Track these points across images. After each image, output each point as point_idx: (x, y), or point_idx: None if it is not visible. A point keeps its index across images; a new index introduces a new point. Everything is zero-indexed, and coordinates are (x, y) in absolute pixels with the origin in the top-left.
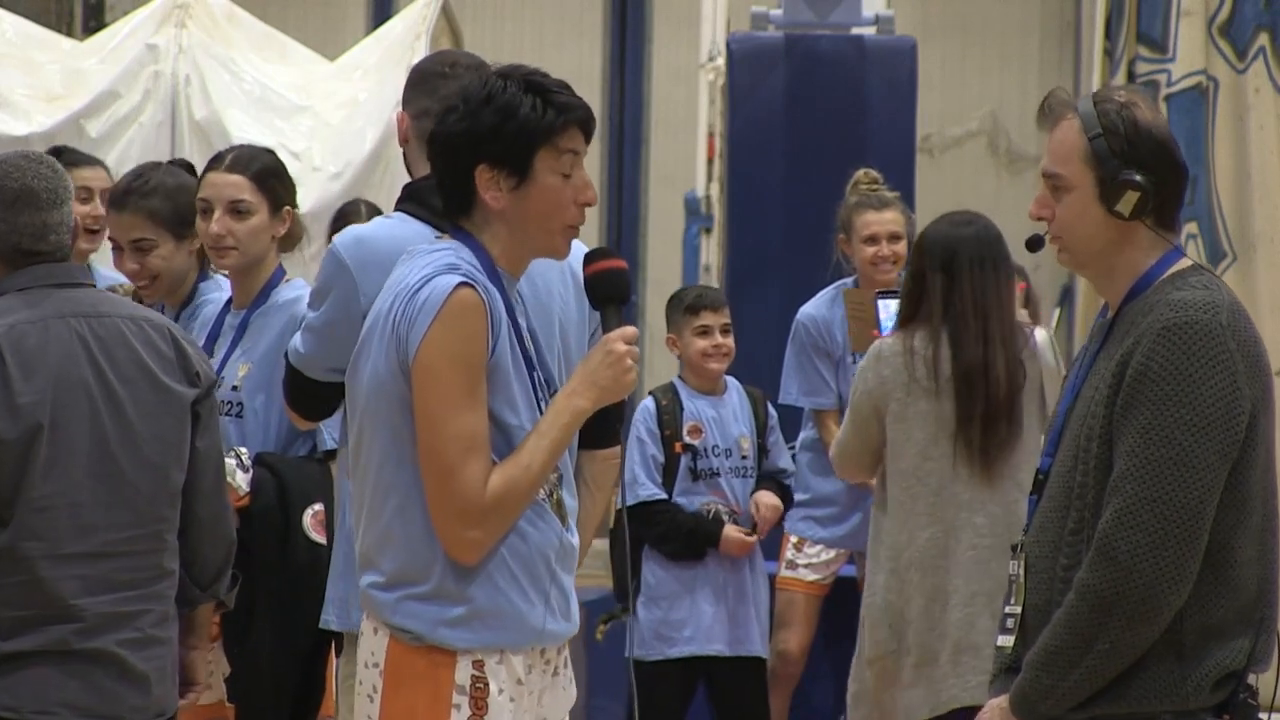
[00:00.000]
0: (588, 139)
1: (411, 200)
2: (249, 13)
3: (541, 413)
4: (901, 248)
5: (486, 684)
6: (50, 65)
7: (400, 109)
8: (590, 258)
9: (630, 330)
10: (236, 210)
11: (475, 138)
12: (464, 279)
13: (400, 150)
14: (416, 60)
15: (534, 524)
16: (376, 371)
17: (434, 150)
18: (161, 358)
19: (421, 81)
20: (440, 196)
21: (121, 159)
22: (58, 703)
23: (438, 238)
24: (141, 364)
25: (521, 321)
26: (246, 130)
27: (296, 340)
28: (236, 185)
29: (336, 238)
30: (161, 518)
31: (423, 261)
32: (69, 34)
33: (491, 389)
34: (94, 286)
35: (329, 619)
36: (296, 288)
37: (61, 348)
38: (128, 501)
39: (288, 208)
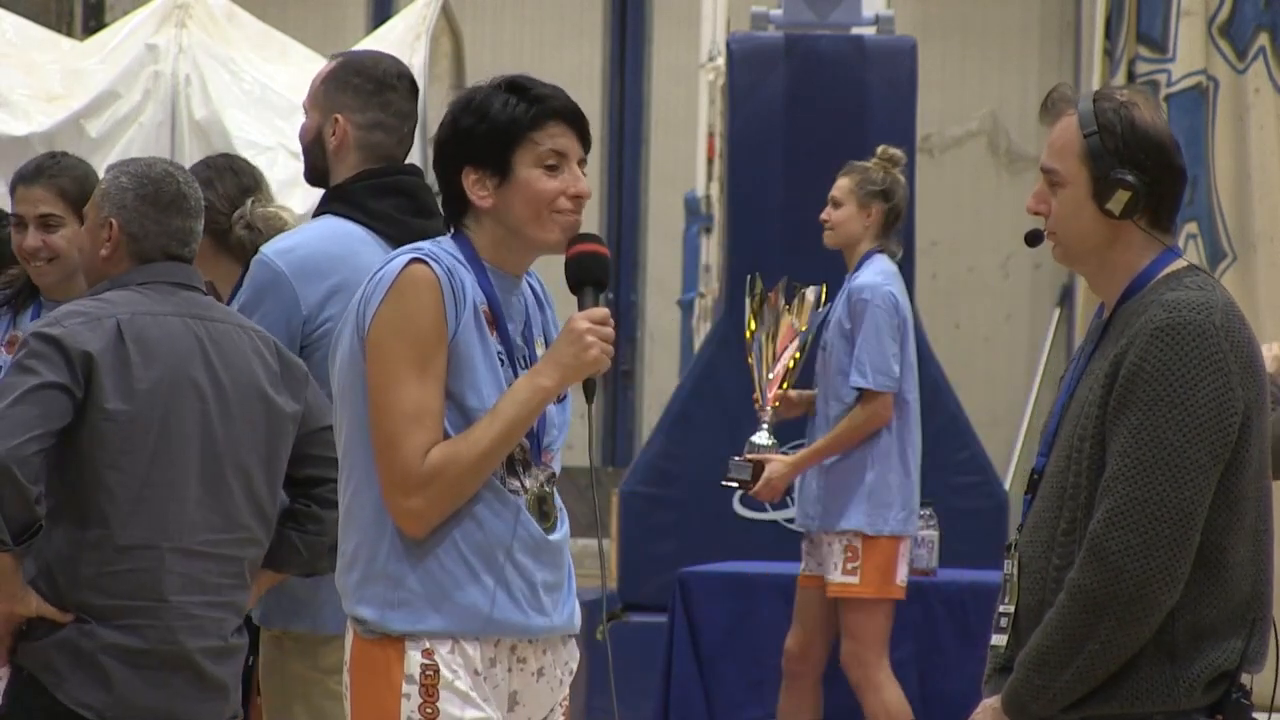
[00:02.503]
0: (582, 138)
1: (341, 201)
2: (249, 13)
3: None
4: (839, 214)
5: (437, 671)
6: (50, 65)
7: (335, 112)
8: (571, 241)
9: (598, 311)
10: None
11: (456, 142)
12: (419, 257)
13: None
14: (416, 60)
15: (498, 515)
16: (343, 357)
17: (434, 162)
18: (267, 368)
19: (375, 92)
20: (443, 206)
21: (122, 159)
22: (140, 707)
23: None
24: (250, 372)
25: (517, 318)
26: (246, 130)
27: None
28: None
29: (265, 248)
30: (247, 526)
31: (394, 252)
32: (69, 34)
33: (454, 370)
34: (205, 292)
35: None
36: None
37: (179, 345)
38: (223, 505)
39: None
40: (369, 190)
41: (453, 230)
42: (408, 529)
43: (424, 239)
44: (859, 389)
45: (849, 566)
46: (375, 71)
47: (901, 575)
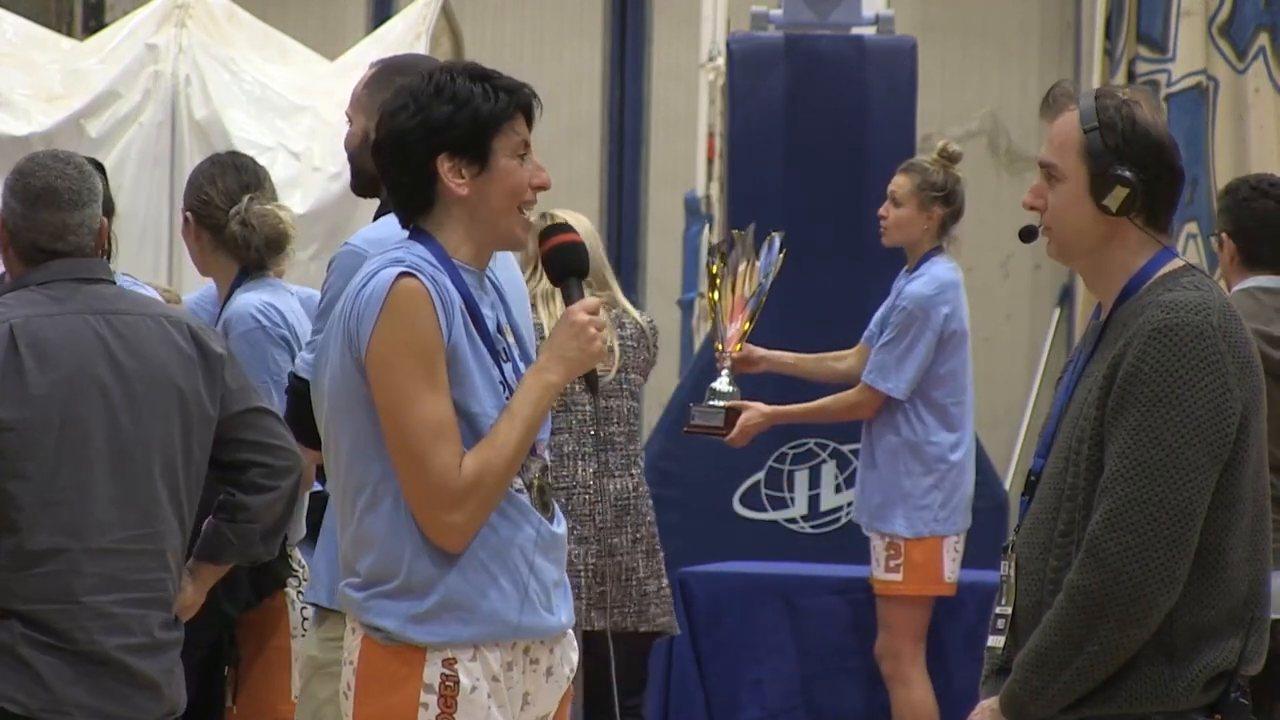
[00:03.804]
0: (530, 124)
1: None
2: (249, 13)
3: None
4: (898, 214)
5: (457, 681)
6: (50, 65)
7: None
8: (545, 235)
9: (592, 301)
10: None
11: (432, 130)
12: (406, 269)
13: None
14: None
15: (506, 515)
16: (334, 374)
17: (386, 151)
18: (181, 355)
19: None
20: (395, 198)
21: (121, 159)
22: (70, 702)
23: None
24: (160, 363)
25: (490, 314)
26: (246, 130)
27: (308, 358)
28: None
29: (353, 239)
30: (166, 519)
31: (371, 264)
32: (69, 34)
33: (453, 378)
34: (114, 283)
35: (318, 595)
36: (236, 306)
37: (78, 343)
38: (137, 500)
39: (185, 212)
40: None
41: (412, 229)
42: (448, 544)
43: None
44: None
45: (891, 564)
46: (416, 70)
47: (949, 572)
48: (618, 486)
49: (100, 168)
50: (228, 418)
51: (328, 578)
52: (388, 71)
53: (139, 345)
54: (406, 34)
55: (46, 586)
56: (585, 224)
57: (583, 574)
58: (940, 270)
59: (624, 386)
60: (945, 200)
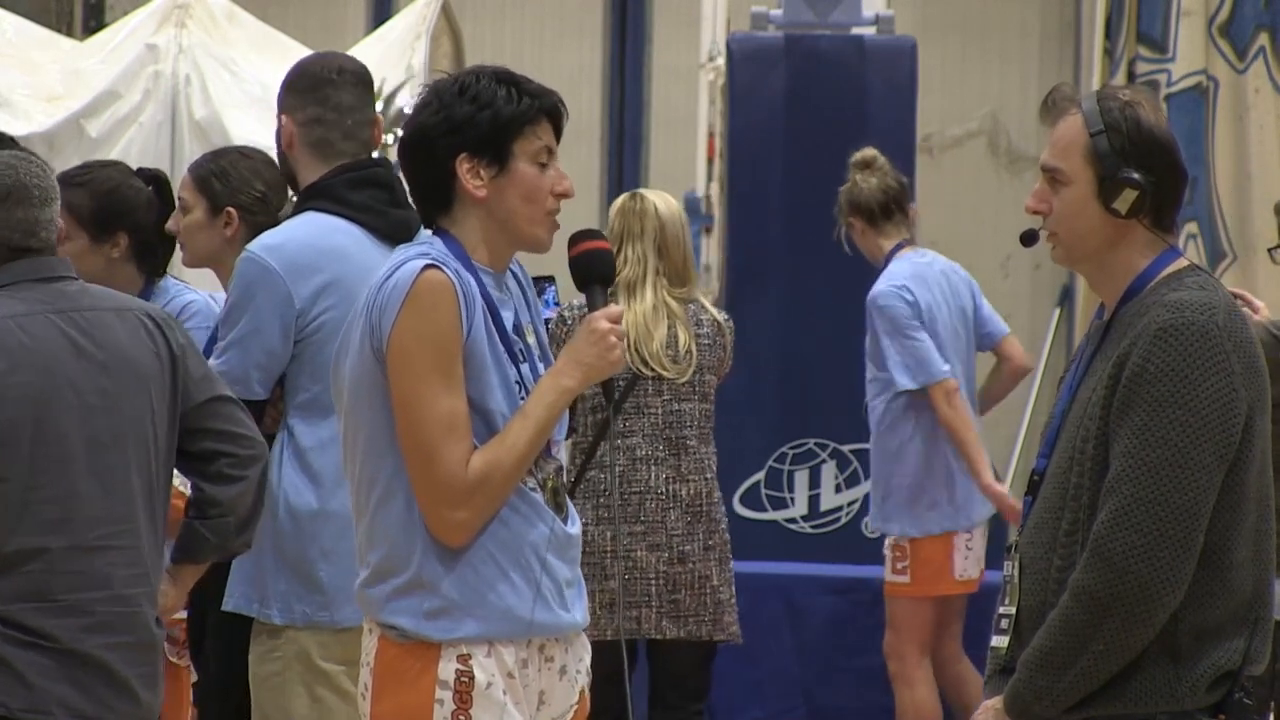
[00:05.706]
0: (558, 133)
1: (321, 197)
2: (249, 13)
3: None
4: (854, 236)
5: (472, 677)
6: (50, 65)
7: (281, 114)
8: (574, 240)
9: (615, 310)
10: (182, 208)
11: (453, 128)
12: (432, 261)
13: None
14: (416, 60)
15: (519, 512)
16: (354, 364)
17: (408, 147)
18: (148, 348)
19: (311, 88)
20: (415, 197)
21: (121, 159)
22: (52, 700)
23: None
24: (128, 356)
25: (508, 315)
26: (247, 130)
27: (214, 365)
28: (182, 183)
29: (250, 246)
30: (141, 514)
31: (397, 256)
32: (69, 34)
33: (470, 375)
34: (76, 279)
35: (252, 606)
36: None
37: (47, 345)
38: (119, 494)
39: (228, 209)
40: (347, 184)
41: (433, 229)
42: (451, 540)
43: (404, 229)
44: (908, 390)
45: (899, 566)
46: (314, 69)
47: (959, 570)
48: (690, 491)
49: (165, 181)
50: (191, 408)
51: (241, 584)
52: (292, 73)
53: (106, 340)
54: (406, 34)
55: (23, 586)
56: (672, 205)
57: (654, 581)
58: (896, 265)
59: (697, 389)
60: (852, 208)
